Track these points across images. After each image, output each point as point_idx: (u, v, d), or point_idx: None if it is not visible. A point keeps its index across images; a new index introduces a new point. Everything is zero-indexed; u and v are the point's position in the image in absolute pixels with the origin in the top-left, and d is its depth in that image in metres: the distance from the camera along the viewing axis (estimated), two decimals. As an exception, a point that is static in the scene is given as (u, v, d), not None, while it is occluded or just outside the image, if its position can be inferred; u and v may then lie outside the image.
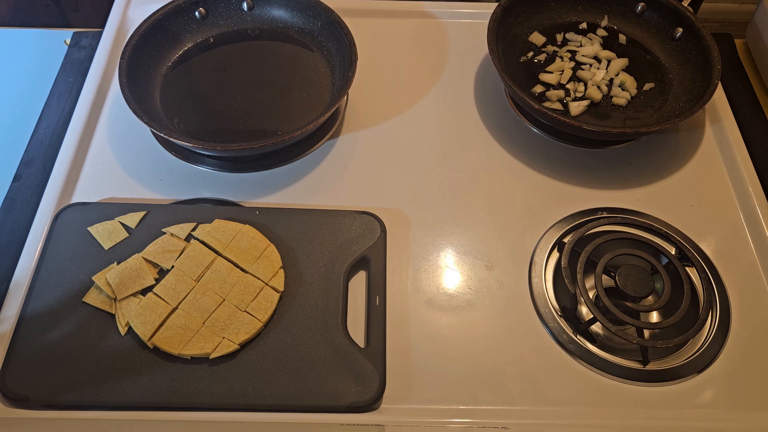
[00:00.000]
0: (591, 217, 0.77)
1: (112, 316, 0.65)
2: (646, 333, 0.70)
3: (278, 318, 0.66)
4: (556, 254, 0.75)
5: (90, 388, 0.61)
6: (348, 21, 0.85)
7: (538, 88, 0.88)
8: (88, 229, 0.71)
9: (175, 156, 0.80)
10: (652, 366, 0.67)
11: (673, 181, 0.82)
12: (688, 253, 0.73)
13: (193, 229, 0.71)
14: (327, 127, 0.84)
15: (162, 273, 0.68)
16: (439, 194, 0.80)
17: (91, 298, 0.66)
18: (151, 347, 0.63)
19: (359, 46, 0.83)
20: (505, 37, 0.90)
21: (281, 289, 0.67)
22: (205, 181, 0.79)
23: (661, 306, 0.69)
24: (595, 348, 0.68)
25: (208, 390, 0.62)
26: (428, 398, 0.65)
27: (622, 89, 0.87)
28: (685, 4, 0.90)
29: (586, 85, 0.88)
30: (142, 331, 0.63)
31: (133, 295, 0.66)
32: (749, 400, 0.66)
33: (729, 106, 0.89)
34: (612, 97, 0.87)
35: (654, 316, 0.73)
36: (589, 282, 0.72)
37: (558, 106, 0.86)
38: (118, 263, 0.68)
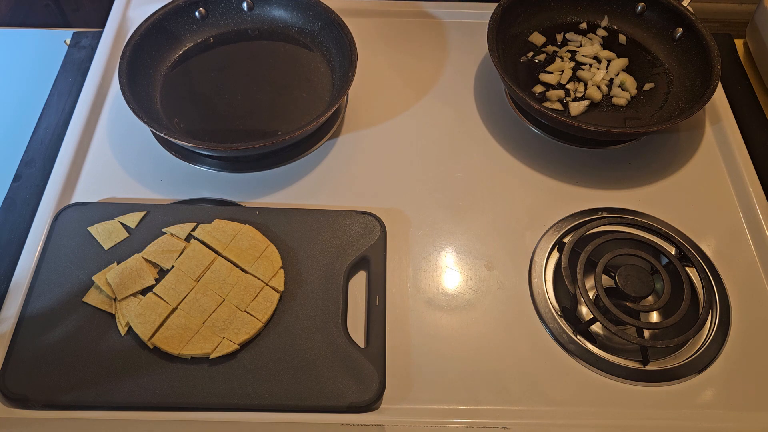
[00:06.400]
0: (591, 217, 0.77)
1: (112, 316, 0.65)
2: (646, 333, 0.70)
3: (278, 318, 0.66)
4: (556, 254, 0.75)
5: (90, 388, 0.61)
6: (348, 21, 0.85)
7: (538, 88, 0.88)
8: (88, 229, 0.71)
9: (175, 156, 0.80)
10: (652, 366, 0.67)
11: (673, 181, 0.82)
12: (688, 253, 0.73)
13: (193, 229, 0.71)
14: (327, 127, 0.84)
15: (162, 273, 0.68)
16: (439, 194, 0.80)
17: (91, 298, 0.66)
18: (151, 347, 0.63)
19: (359, 46, 0.83)
20: (505, 37, 0.90)
21: (281, 289, 0.67)
22: (205, 181, 0.79)
23: (661, 306, 0.69)
24: (595, 348, 0.68)
25: (208, 390, 0.62)
26: (428, 398, 0.65)
27: (622, 89, 0.87)
28: (685, 3, 0.90)
29: (586, 85, 0.88)
30: (142, 331, 0.63)
31: (133, 295, 0.66)
32: (749, 400, 0.66)
33: (729, 106, 0.89)
34: (612, 97, 0.87)
35: (654, 316, 0.73)
36: (589, 282, 0.72)
37: (558, 106, 0.86)
38: (118, 263, 0.68)
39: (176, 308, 0.65)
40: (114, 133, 0.83)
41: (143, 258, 0.68)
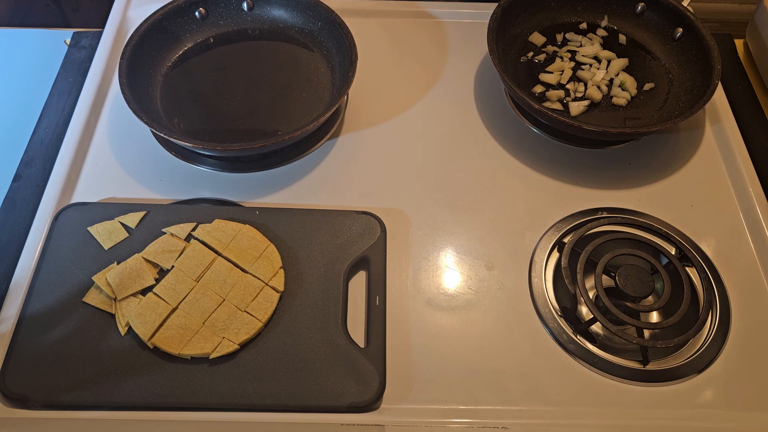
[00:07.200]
0: (591, 217, 0.77)
1: (112, 316, 0.65)
2: (646, 333, 0.70)
3: (278, 318, 0.66)
4: (556, 254, 0.75)
5: (90, 388, 0.61)
6: (348, 21, 0.85)
7: (538, 88, 0.88)
8: (88, 229, 0.71)
9: (175, 156, 0.80)
10: (652, 366, 0.67)
11: (673, 181, 0.82)
12: (688, 253, 0.73)
13: (193, 229, 0.71)
14: (327, 127, 0.84)
15: (162, 273, 0.68)
16: (439, 194, 0.80)
17: (91, 298, 0.66)
18: (151, 347, 0.63)
19: (359, 46, 0.83)
20: (505, 37, 0.90)
21: (281, 289, 0.67)
22: (205, 181, 0.79)
23: (661, 306, 0.69)
24: (595, 348, 0.68)
25: (208, 390, 0.62)
26: (428, 398, 0.65)
27: (622, 89, 0.87)
28: (685, 3, 0.90)
29: (586, 85, 0.88)
30: (142, 331, 0.63)
31: (133, 295, 0.66)
32: (749, 400, 0.66)
33: (729, 106, 0.89)
34: (612, 97, 0.87)
35: (654, 316, 0.73)
36: (589, 282, 0.72)
37: (558, 106, 0.86)
38: (118, 263, 0.68)
39: (176, 308, 0.65)
40: (114, 133, 0.83)
41: (143, 258, 0.68)
